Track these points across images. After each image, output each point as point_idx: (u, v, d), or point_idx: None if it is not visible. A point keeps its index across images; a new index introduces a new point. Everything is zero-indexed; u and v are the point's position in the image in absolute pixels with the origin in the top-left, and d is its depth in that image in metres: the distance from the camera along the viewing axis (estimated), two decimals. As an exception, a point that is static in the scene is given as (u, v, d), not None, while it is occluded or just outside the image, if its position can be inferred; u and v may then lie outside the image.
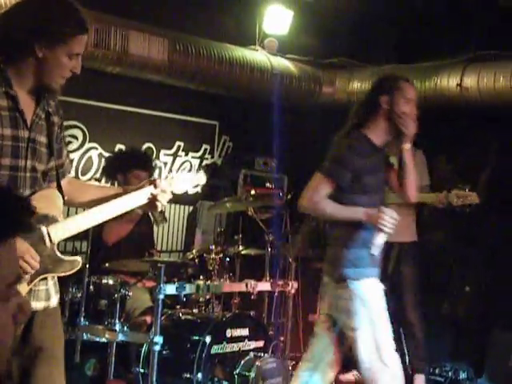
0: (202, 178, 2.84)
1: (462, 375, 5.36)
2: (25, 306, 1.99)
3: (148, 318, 4.10)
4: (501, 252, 5.27)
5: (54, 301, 2.47)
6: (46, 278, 2.39)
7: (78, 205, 2.51)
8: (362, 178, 3.29)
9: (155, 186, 2.59)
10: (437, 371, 5.39)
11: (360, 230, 3.27)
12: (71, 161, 2.70)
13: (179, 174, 2.75)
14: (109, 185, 4.90)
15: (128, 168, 4.59)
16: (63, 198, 2.44)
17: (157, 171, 5.92)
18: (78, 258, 2.45)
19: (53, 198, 2.41)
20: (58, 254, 2.39)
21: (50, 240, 2.34)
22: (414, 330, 5.09)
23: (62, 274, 2.42)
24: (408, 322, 5.07)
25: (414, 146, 5.08)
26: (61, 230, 2.37)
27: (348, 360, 5.43)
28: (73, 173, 5.51)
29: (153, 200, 2.60)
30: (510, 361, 5.24)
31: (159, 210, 2.64)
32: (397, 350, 3.38)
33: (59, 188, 2.44)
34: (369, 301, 3.26)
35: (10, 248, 1.94)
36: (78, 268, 2.44)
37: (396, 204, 4.87)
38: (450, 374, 5.37)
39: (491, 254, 5.64)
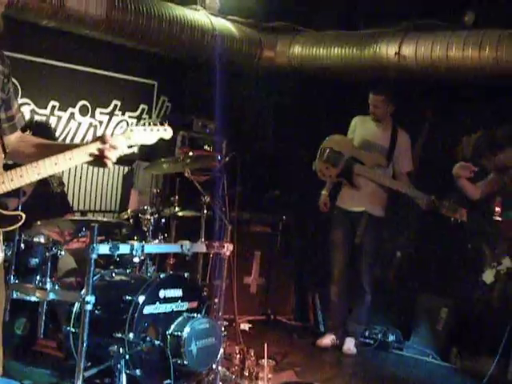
0: (168, 132, 2.72)
1: (391, 337, 5.52)
2: None
3: (73, 280, 4.06)
4: (430, 218, 5.40)
5: (0, 256, 2.41)
6: None
7: (27, 161, 2.39)
8: None
9: (103, 142, 2.45)
10: (366, 333, 5.54)
11: None
12: (23, 114, 2.60)
13: (140, 126, 2.64)
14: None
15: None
16: (5, 151, 2.35)
17: (92, 130, 5.83)
18: (21, 213, 2.38)
19: None
20: None
21: None
22: (364, 295, 5.30)
23: (5, 229, 2.37)
24: (361, 288, 5.30)
25: (397, 126, 5.22)
26: (1, 184, 2.29)
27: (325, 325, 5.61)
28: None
29: (101, 156, 2.45)
30: (437, 324, 5.42)
31: (108, 166, 2.49)
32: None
33: (1, 141, 2.36)
34: None
35: None
36: (21, 223, 2.38)
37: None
38: (379, 336, 5.52)
39: (421, 219, 5.78)
